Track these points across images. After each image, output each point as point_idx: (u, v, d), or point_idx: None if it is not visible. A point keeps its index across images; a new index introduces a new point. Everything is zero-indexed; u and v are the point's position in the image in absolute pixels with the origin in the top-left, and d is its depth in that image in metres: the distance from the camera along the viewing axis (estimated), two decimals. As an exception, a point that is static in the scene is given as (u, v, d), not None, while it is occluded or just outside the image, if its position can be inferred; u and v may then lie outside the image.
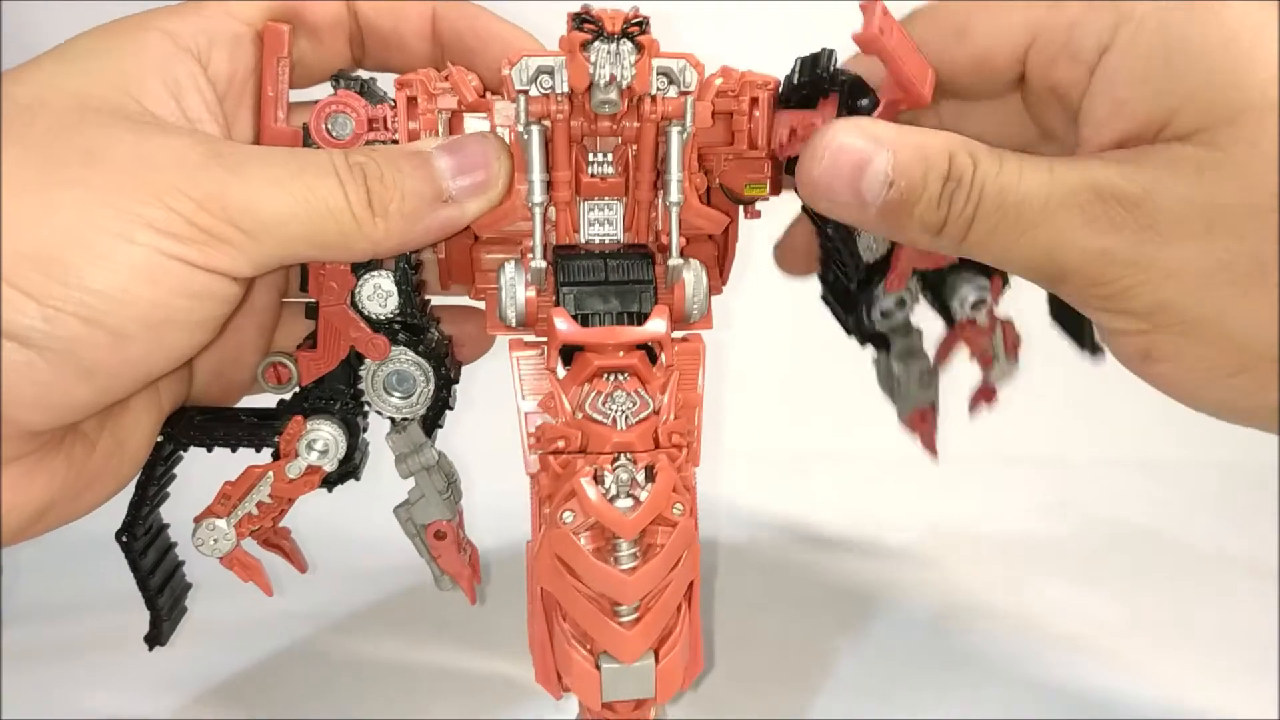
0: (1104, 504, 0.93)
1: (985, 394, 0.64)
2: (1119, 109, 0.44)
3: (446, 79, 0.45)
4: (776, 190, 0.49)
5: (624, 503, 0.42)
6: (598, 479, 0.43)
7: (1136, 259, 0.41)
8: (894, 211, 0.43)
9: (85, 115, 0.40)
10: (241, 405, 0.52)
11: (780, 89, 0.47)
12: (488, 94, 0.45)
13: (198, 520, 0.48)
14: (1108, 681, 0.69)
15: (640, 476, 0.43)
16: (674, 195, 0.44)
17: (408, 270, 0.47)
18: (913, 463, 0.64)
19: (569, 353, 0.45)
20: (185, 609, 0.53)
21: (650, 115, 0.42)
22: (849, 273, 0.54)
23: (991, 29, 0.48)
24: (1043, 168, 0.42)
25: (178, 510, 0.51)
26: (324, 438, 0.47)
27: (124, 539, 0.48)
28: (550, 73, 0.42)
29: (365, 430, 0.50)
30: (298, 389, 0.49)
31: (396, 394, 0.48)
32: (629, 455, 0.43)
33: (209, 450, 0.48)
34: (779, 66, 0.48)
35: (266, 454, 0.48)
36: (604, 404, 0.43)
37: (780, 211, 0.55)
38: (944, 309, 0.58)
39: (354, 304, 0.47)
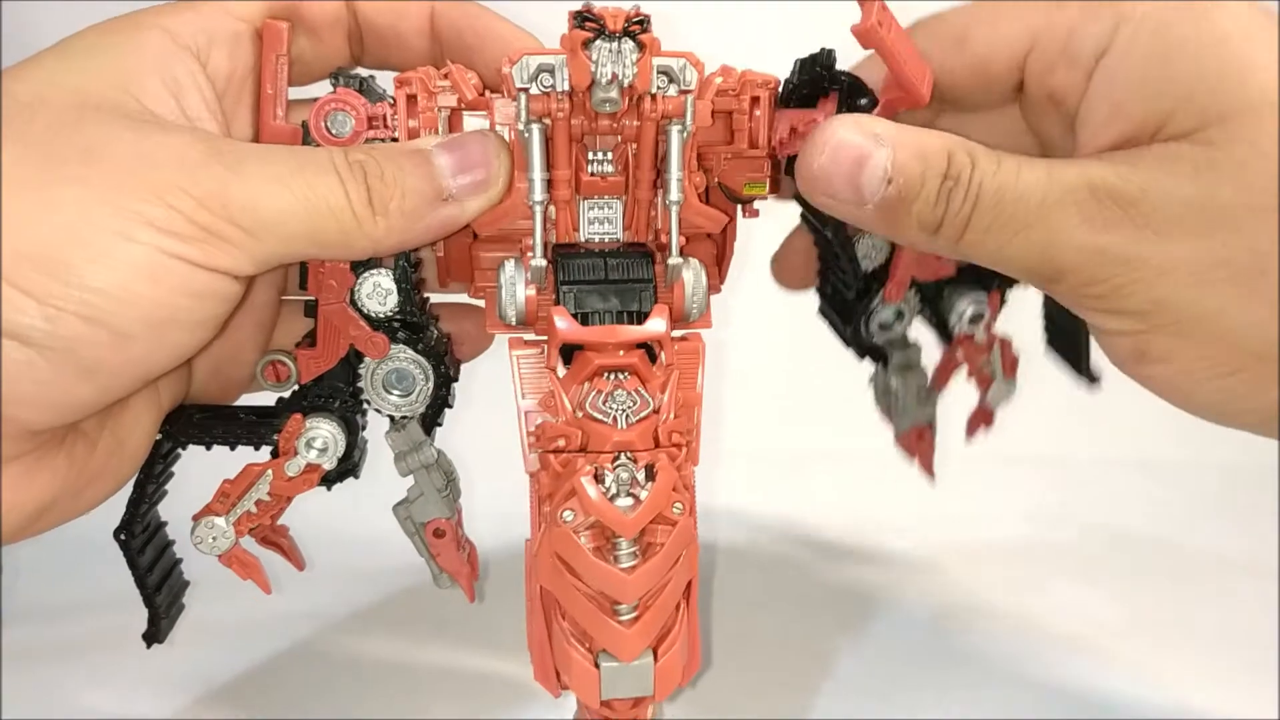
0: (1104, 504, 0.93)
1: (983, 416, 0.63)
2: (1116, 112, 0.44)
3: (446, 77, 0.45)
4: (775, 189, 0.49)
5: (624, 501, 0.42)
6: (598, 478, 0.43)
7: (1132, 256, 0.41)
8: (892, 209, 0.43)
9: (85, 113, 0.40)
10: (240, 403, 0.52)
11: (780, 89, 0.47)
12: (487, 92, 0.45)
13: (196, 518, 0.48)
14: (1108, 681, 0.69)
15: (640, 475, 0.43)
16: (674, 194, 0.44)
17: (407, 268, 0.47)
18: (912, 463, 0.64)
19: (569, 351, 0.45)
20: (183, 606, 0.53)
21: (650, 114, 0.42)
22: (847, 281, 0.54)
23: (991, 36, 0.49)
24: (1040, 167, 0.42)
25: (176, 508, 0.51)
26: (323, 436, 0.47)
27: (122, 537, 0.48)
28: (551, 71, 0.42)
29: (364, 428, 0.50)
30: (297, 387, 0.49)
31: (396, 392, 0.48)
32: (629, 454, 0.43)
33: (208, 448, 0.48)
34: (779, 66, 0.48)
35: (265, 452, 0.48)
36: (604, 403, 0.43)
37: (779, 213, 0.55)
38: (941, 325, 0.58)
39: (353, 302, 0.47)
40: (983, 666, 0.71)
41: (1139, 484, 0.97)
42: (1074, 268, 0.42)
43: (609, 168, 0.45)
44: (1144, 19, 0.44)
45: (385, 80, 0.46)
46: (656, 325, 0.44)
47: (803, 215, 0.56)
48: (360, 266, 0.46)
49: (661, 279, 0.46)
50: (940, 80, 0.48)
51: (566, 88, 0.42)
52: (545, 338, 0.46)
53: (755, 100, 0.46)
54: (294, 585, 0.56)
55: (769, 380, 0.99)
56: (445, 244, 0.48)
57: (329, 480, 0.49)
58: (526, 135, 0.43)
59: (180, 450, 0.50)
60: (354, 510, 0.60)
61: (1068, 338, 0.63)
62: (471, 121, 0.45)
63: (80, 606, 0.74)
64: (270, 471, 0.48)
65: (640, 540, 0.44)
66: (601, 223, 0.46)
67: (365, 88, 0.46)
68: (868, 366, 0.62)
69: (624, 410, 0.44)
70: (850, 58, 0.48)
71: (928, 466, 0.63)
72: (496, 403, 0.51)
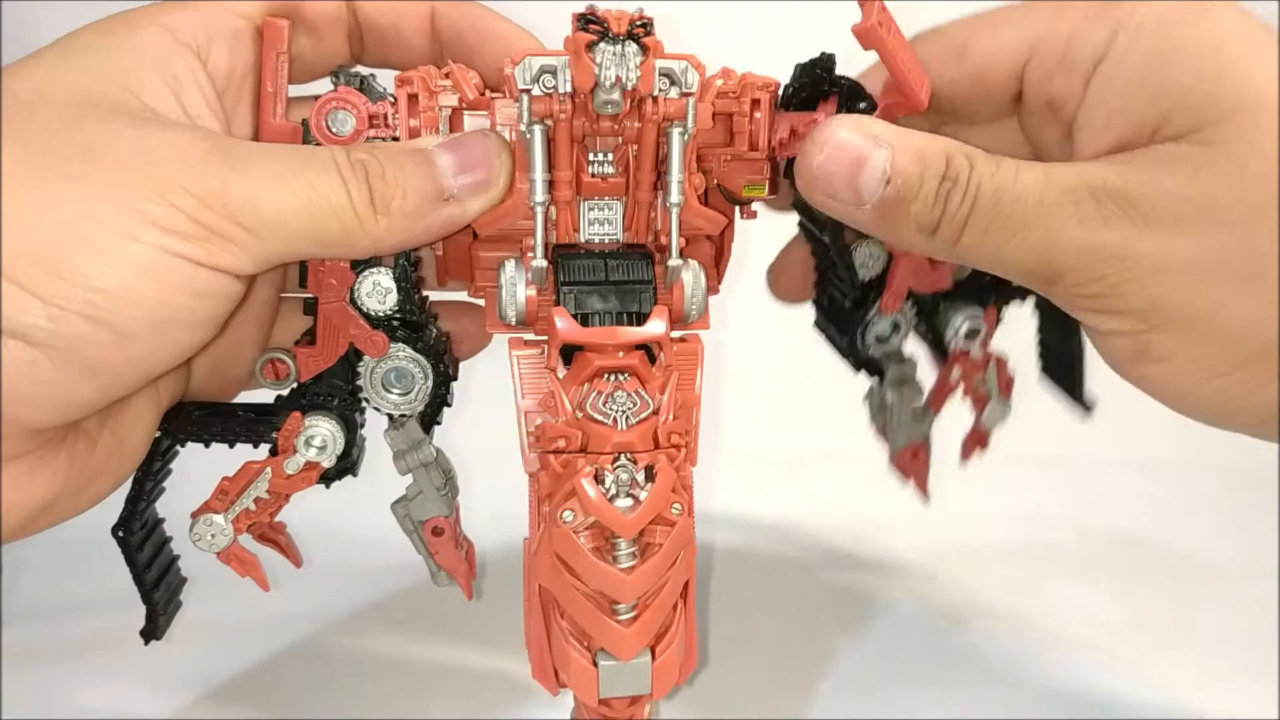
0: (1104, 504, 0.93)
1: (977, 439, 0.63)
2: (1114, 115, 0.45)
3: (447, 76, 0.45)
4: (774, 191, 0.49)
5: (624, 502, 0.42)
6: (598, 479, 0.43)
7: (1130, 254, 0.41)
8: (890, 209, 0.43)
9: (85, 111, 0.39)
10: (239, 401, 0.52)
11: (779, 93, 0.47)
12: (487, 92, 0.45)
13: (195, 515, 0.48)
14: (1108, 681, 0.69)
15: (640, 476, 0.43)
16: (674, 196, 0.44)
17: (407, 267, 0.47)
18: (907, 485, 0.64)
19: (569, 352, 0.45)
20: (181, 604, 0.53)
21: (652, 116, 0.42)
22: (844, 290, 0.54)
23: (990, 46, 0.49)
24: (1038, 170, 0.43)
25: (175, 505, 0.51)
26: (322, 434, 0.47)
27: (120, 534, 0.48)
28: (553, 72, 0.42)
29: (363, 426, 0.50)
30: (296, 385, 0.49)
31: (395, 390, 0.48)
32: (629, 455, 0.43)
33: (206, 446, 0.48)
34: (780, 67, 0.48)
35: (264, 450, 0.48)
36: (605, 404, 0.44)
37: (777, 217, 0.55)
38: (937, 341, 0.58)
39: (353, 301, 0.47)
40: (983, 666, 0.71)
41: (1139, 484, 0.97)
42: (1072, 267, 0.42)
43: (609, 169, 0.45)
44: (1142, 23, 0.44)
45: (385, 79, 0.46)
46: (656, 327, 0.44)
47: (800, 224, 0.57)
48: (360, 265, 0.46)
49: (661, 280, 0.46)
50: (940, 91, 0.49)
51: (569, 89, 0.41)
52: (545, 338, 0.46)
53: (756, 103, 0.46)
54: (292, 583, 0.56)
55: (767, 381, 0.99)
56: (445, 243, 0.48)
57: (327, 478, 0.49)
58: (529, 136, 0.43)
59: (179, 448, 0.50)
60: (352, 508, 0.60)
61: (1062, 366, 0.63)
62: (472, 121, 0.45)
63: (80, 606, 0.74)
64: (269, 469, 0.48)
65: (639, 540, 0.44)
66: (601, 224, 0.46)
67: (366, 86, 0.46)
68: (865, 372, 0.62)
69: (624, 411, 0.44)
70: (850, 63, 0.48)
71: (923, 487, 0.63)
72: (495, 401, 0.51)
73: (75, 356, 0.38)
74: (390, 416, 0.49)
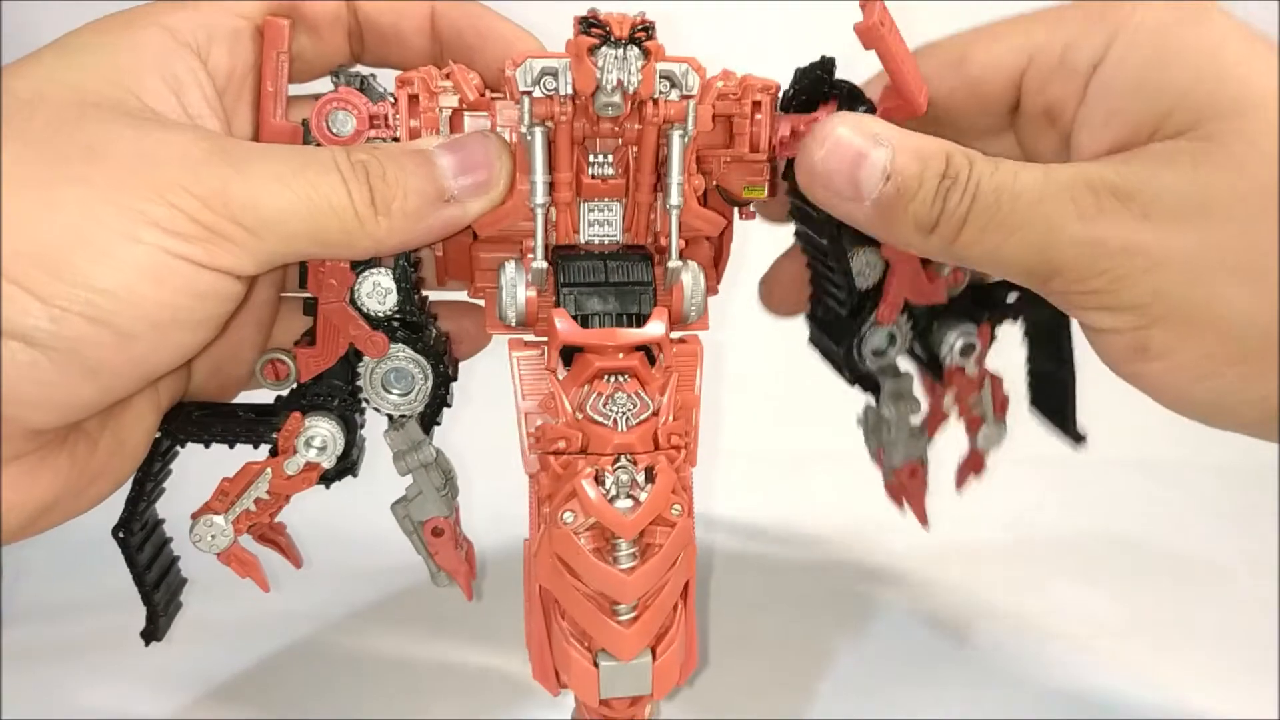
0: (1104, 504, 0.93)
1: (974, 464, 0.63)
2: (1112, 117, 0.45)
3: (448, 77, 0.45)
4: (774, 192, 0.49)
5: (624, 503, 0.42)
6: (598, 480, 0.43)
7: (1129, 248, 0.41)
8: (889, 206, 0.43)
9: (85, 111, 0.39)
10: (239, 401, 0.52)
11: (779, 95, 0.47)
12: (487, 92, 0.45)
13: (195, 516, 0.48)
14: (1108, 681, 0.69)
15: (640, 477, 0.43)
16: (674, 198, 0.44)
17: (407, 268, 0.47)
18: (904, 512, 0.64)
19: (569, 353, 0.45)
20: (181, 604, 0.53)
21: (652, 119, 0.42)
22: (841, 298, 0.54)
23: (988, 56, 0.49)
24: (1037, 169, 0.43)
25: (174, 506, 0.51)
26: (322, 434, 0.47)
27: (120, 535, 0.48)
28: (554, 74, 0.42)
29: (363, 427, 0.50)
30: (296, 385, 0.49)
31: (395, 391, 0.48)
32: (629, 456, 0.43)
33: (206, 446, 0.48)
34: (779, 67, 0.48)
35: (264, 450, 0.48)
36: (605, 405, 0.44)
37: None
38: (932, 360, 0.58)
39: (353, 301, 0.47)
40: (983, 666, 0.71)
41: (1139, 484, 0.97)
42: (1070, 263, 0.42)
43: (609, 171, 0.45)
44: (1139, 28, 0.45)
45: (386, 79, 0.46)
46: (656, 328, 0.44)
47: (797, 233, 0.57)
48: (360, 265, 0.46)
49: (661, 281, 0.46)
50: (938, 102, 0.49)
51: (569, 91, 0.41)
52: (545, 339, 0.46)
53: (757, 105, 0.46)
54: (292, 583, 0.56)
55: (767, 381, 0.99)
56: (444, 244, 0.48)
57: (327, 479, 0.49)
58: (529, 138, 0.43)
59: (179, 448, 0.50)
60: (352, 509, 0.60)
61: (1053, 397, 0.63)
62: (473, 122, 0.45)
63: (80, 606, 0.74)
64: (269, 470, 0.48)
65: (639, 541, 0.44)
66: (601, 225, 0.46)
67: (366, 87, 0.46)
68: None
69: (624, 413, 0.44)
70: (849, 68, 0.48)
71: (920, 509, 0.62)
72: (495, 402, 0.51)
73: (76, 357, 0.38)
74: (390, 417, 0.49)
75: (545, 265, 0.45)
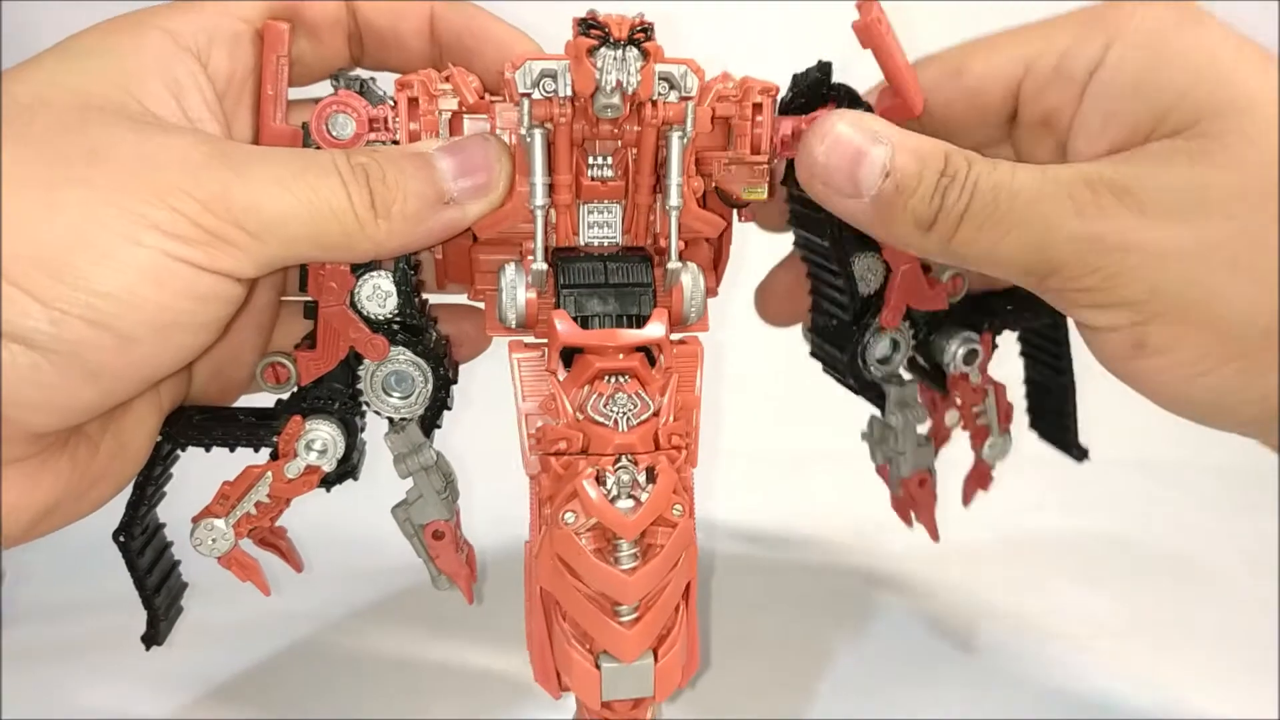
0: (1104, 504, 0.93)
1: (980, 477, 0.63)
2: (1110, 120, 0.46)
3: (447, 80, 0.45)
4: (773, 194, 0.49)
5: (625, 504, 0.42)
6: (599, 480, 0.43)
7: (1128, 243, 0.41)
8: (887, 203, 0.43)
9: (87, 114, 0.39)
10: (239, 405, 0.52)
11: (778, 99, 0.48)
12: (486, 95, 0.45)
13: (196, 520, 0.48)
14: (1108, 681, 0.69)
15: (641, 478, 0.43)
16: (674, 199, 0.44)
17: (407, 271, 0.47)
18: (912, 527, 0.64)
19: (569, 354, 0.45)
20: (181, 608, 0.53)
21: (651, 120, 0.42)
22: (844, 303, 0.54)
23: (987, 64, 0.50)
24: (1035, 169, 0.43)
25: (175, 510, 0.51)
26: (322, 438, 0.47)
27: (121, 539, 0.48)
28: (553, 76, 0.42)
29: (363, 430, 0.50)
30: (296, 389, 0.49)
31: (395, 394, 0.48)
32: (630, 457, 0.43)
33: (207, 450, 0.48)
34: (778, 68, 0.48)
35: (265, 454, 0.48)
36: (605, 406, 0.44)
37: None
38: (934, 369, 0.58)
39: (353, 304, 0.47)
40: (983, 667, 0.71)
41: (1139, 484, 0.97)
42: (1069, 259, 0.42)
43: (609, 172, 0.45)
44: (1135, 33, 0.45)
45: (385, 83, 0.46)
46: (656, 329, 0.44)
47: (796, 242, 0.57)
48: (360, 269, 0.46)
49: (660, 283, 0.46)
50: (935, 112, 0.50)
51: (569, 93, 0.42)
52: (544, 340, 0.46)
53: (757, 107, 0.46)
54: (293, 586, 0.56)
55: (766, 382, 0.99)
56: (444, 247, 0.48)
57: (328, 482, 0.49)
58: (529, 140, 0.43)
59: (179, 452, 0.50)
60: (353, 512, 0.60)
61: (1053, 416, 0.63)
62: (472, 125, 0.45)
63: (80, 607, 0.74)
64: (270, 473, 0.48)
65: (640, 542, 0.44)
66: (601, 227, 0.46)
67: (366, 90, 0.46)
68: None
69: (625, 413, 0.44)
70: (848, 71, 0.48)
71: (930, 521, 0.62)
72: (495, 404, 0.51)
73: (77, 360, 0.38)
74: (390, 420, 0.49)
75: (545, 267, 0.45)
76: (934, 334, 0.56)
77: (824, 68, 0.48)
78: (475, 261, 0.48)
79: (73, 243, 0.37)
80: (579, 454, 0.44)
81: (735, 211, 0.50)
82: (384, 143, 0.45)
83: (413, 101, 0.45)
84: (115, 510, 0.48)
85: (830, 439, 0.71)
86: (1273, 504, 0.90)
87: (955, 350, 0.56)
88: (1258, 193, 0.41)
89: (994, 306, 0.57)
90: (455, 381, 0.50)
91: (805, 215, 0.54)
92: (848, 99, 0.48)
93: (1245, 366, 0.43)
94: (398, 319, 0.47)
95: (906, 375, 0.58)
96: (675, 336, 0.47)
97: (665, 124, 0.43)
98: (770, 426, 1.00)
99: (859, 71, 0.49)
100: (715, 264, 0.51)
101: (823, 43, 0.47)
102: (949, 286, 0.55)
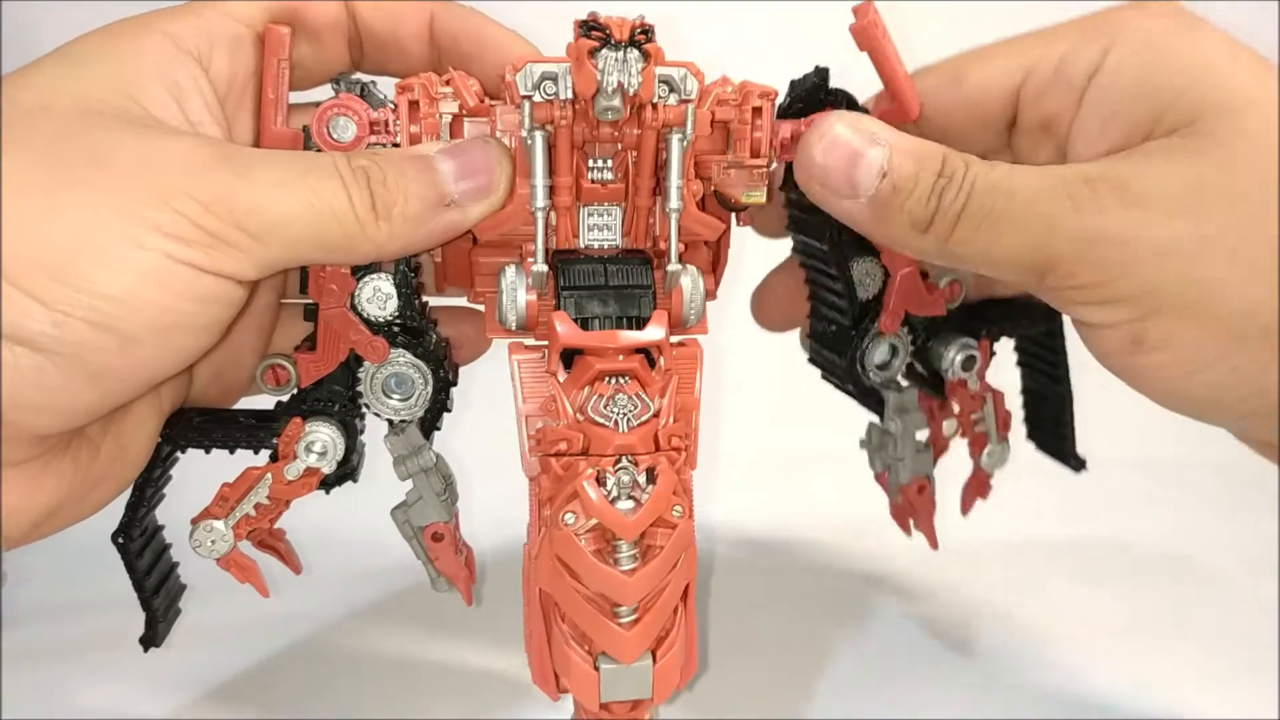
0: (1104, 504, 0.93)
1: (979, 486, 0.63)
2: (1108, 122, 0.46)
3: (448, 83, 0.45)
4: (771, 198, 0.49)
5: (625, 505, 0.42)
6: (600, 481, 0.43)
7: (1126, 238, 0.41)
8: (884, 203, 0.44)
9: (89, 119, 0.40)
10: (239, 407, 0.52)
11: (776, 103, 0.48)
12: (485, 99, 0.45)
13: (195, 522, 0.48)
14: (1108, 681, 0.69)
15: (641, 479, 0.43)
16: (674, 202, 0.44)
17: (407, 273, 0.47)
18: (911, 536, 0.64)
19: (569, 356, 0.45)
20: (180, 610, 0.53)
21: (651, 123, 0.43)
22: (843, 307, 0.54)
23: (985, 72, 0.50)
24: (1033, 169, 0.43)
25: (174, 511, 0.51)
26: (322, 439, 0.47)
27: (120, 540, 0.48)
28: (554, 79, 0.42)
29: (363, 432, 0.50)
30: (296, 391, 0.49)
31: (395, 396, 0.48)
32: (630, 458, 0.43)
33: (207, 452, 0.48)
34: (779, 70, 0.49)
35: (264, 455, 0.48)
36: (605, 407, 0.44)
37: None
38: (932, 376, 0.58)
39: (353, 306, 0.47)
40: (983, 666, 0.71)
41: (1139, 484, 0.97)
42: (1067, 255, 0.42)
43: (609, 175, 0.45)
44: (1133, 37, 0.46)
45: (386, 87, 0.46)
46: (656, 331, 0.45)
47: (795, 248, 0.57)
48: (360, 271, 0.46)
49: (660, 285, 0.46)
50: (935, 120, 0.50)
51: (569, 96, 0.42)
52: (544, 342, 0.46)
53: (757, 111, 0.46)
54: (292, 587, 0.56)
55: (765, 384, 0.99)
56: (443, 250, 0.48)
57: (327, 484, 0.49)
58: (530, 142, 0.43)
59: (179, 453, 0.50)
60: (352, 514, 0.60)
61: (1050, 425, 0.63)
62: (473, 128, 0.45)
63: (80, 607, 0.74)
64: (269, 475, 0.48)
65: (640, 543, 0.44)
66: (601, 229, 0.46)
67: (366, 93, 0.46)
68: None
69: (625, 414, 0.44)
70: (845, 75, 0.49)
71: (929, 527, 0.62)
72: (494, 406, 0.51)
73: (80, 362, 0.38)
74: (390, 422, 0.49)
75: (545, 269, 0.45)
76: (932, 340, 0.56)
77: (821, 73, 0.48)
78: (475, 264, 0.48)
79: (75, 245, 0.37)
80: (579, 455, 0.44)
81: (733, 215, 0.50)
82: (385, 145, 0.45)
83: (413, 104, 0.45)
84: (115, 511, 0.48)
85: (829, 439, 0.71)
86: (1273, 504, 0.89)
87: (953, 356, 0.56)
88: (1256, 188, 0.42)
89: (991, 314, 0.57)
90: (455, 384, 0.50)
91: (803, 219, 0.54)
92: (845, 104, 0.48)
93: (1244, 361, 0.43)
94: (398, 321, 0.47)
95: (904, 383, 0.58)
96: (674, 339, 0.47)
97: (665, 127, 0.43)
98: (769, 428, 1.00)
99: (858, 77, 0.49)
100: (713, 267, 0.51)
101: (822, 46, 0.48)
102: (946, 292, 0.55)
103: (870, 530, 0.85)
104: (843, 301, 0.54)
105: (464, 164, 0.43)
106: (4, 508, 0.40)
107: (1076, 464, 0.63)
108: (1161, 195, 0.41)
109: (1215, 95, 0.43)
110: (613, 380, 0.44)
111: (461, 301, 0.51)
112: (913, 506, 0.61)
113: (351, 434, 0.49)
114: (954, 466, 0.62)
